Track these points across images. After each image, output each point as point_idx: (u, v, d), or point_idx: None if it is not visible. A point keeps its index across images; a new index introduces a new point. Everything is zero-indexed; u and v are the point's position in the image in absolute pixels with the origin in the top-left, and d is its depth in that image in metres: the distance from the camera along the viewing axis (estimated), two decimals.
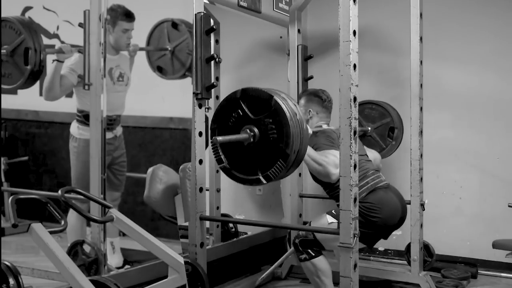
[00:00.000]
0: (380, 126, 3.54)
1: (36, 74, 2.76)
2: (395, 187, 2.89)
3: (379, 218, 2.64)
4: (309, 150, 2.63)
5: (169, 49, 3.38)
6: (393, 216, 2.75)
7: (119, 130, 3.32)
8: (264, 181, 2.11)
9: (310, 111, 2.99)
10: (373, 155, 3.19)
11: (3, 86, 2.82)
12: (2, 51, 2.72)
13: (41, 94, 4.15)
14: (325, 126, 2.96)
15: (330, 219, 2.71)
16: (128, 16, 3.27)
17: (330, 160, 2.62)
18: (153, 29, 3.45)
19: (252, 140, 2.11)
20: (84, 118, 3.19)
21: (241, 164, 2.17)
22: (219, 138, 2.10)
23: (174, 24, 3.39)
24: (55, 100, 3.23)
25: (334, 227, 2.64)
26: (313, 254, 2.75)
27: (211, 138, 2.17)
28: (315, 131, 2.88)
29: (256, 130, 2.11)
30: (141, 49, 3.44)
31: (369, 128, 3.55)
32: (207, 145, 2.84)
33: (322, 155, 2.65)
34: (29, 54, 2.65)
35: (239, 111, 2.14)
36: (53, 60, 3.04)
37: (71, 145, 3.29)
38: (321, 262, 2.76)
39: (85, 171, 2.97)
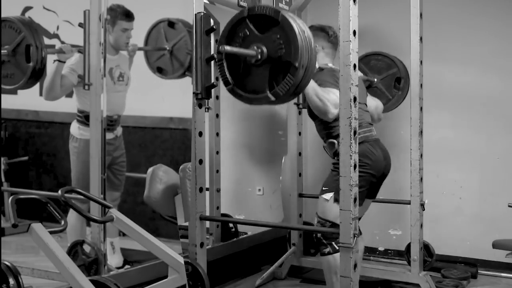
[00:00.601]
0: (386, 77, 3.51)
1: (38, 73, 2.75)
2: (382, 144, 2.89)
3: (365, 173, 2.65)
4: (313, 84, 2.62)
5: (168, 48, 3.37)
6: (377, 171, 2.76)
7: (119, 130, 3.33)
8: (273, 98, 2.05)
9: (316, 46, 2.97)
10: (376, 103, 3.15)
11: (6, 87, 2.82)
12: (3, 51, 2.72)
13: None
14: (330, 65, 2.94)
15: (326, 196, 2.71)
16: (128, 15, 3.27)
17: (332, 99, 2.61)
18: (151, 30, 3.44)
19: (259, 57, 2.06)
20: (85, 118, 3.18)
21: (247, 84, 2.11)
22: (227, 48, 2.05)
23: (171, 23, 3.38)
24: (55, 100, 3.23)
25: (332, 199, 2.66)
26: (337, 248, 2.68)
27: (218, 48, 2.10)
28: (322, 67, 2.85)
29: (263, 47, 2.06)
30: (140, 49, 3.43)
31: (375, 79, 3.51)
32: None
33: (324, 91, 2.64)
34: (30, 51, 2.65)
35: (246, 30, 2.09)
36: (54, 60, 3.04)
37: (71, 145, 3.29)
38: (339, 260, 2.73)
39: (86, 171, 2.97)
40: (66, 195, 2.35)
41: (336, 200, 2.63)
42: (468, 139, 3.81)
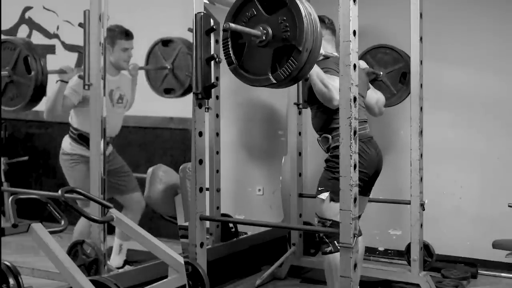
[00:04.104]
0: (392, 71, 3.49)
1: (41, 88, 2.76)
2: (375, 141, 2.87)
3: (358, 172, 2.63)
4: (318, 70, 2.62)
5: (168, 67, 3.39)
6: (369, 167, 2.75)
7: (109, 149, 3.30)
8: (273, 80, 2.04)
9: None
10: (377, 96, 3.11)
11: (11, 108, 2.83)
12: (3, 73, 2.73)
13: None
14: (336, 54, 2.91)
15: (323, 196, 2.70)
16: (127, 34, 3.29)
17: (337, 85, 2.58)
18: (148, 54, 3.48)
19: (264, 38, 2.06)
20: (78, 136, 3.21)
21: (251, 65, 2.12)
22: (232, 25, 2.04)
23: (165, 42, 3.43)
24: (55, 119, 3.24)
25: (329, 199, 2.65)
26: (338, 247, 2.70)
27: (224, 25, 2.09)
28: (327, 55, 2.84)
29: (269, 28, 2.05)
30: (141, 68, 3.45)
31: (381, 73, 3.49)
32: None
33: (330, 78, 2.63)
34: (29, 61, 2.66)
35: (253, 9, 2.08)
36: (57, 81, 3.06)
37: (62, 158, 3.28)
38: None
39: (84, 178, 2.99)
40: (66, 195, 2.35)
41: (333, 199, 2.63)
42: (468, 139, 3.81)
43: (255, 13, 2.08)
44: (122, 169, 3.38)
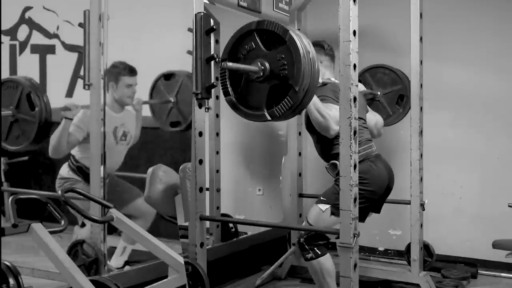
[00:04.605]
0: (390, 92, 3.51)
1: (45, 125, 2.75)
2: (384, 159, 2.88)
3: (367, 191, 2.63)
4: (315, 99, 2.61)
5: (172, 100, 3.41)
6: (380, 187, 2.75)
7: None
8: (269, 118, 2.05)
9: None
10: (376, 118, 3.13)
11: (17, 147, 2.84)
12: (7, 112, 2.74)
13: None
14: (333, 79, 2.93)
15: (322, 206, 2.70)
16: (131, 71, 3.30)
17: (333, 115, 2.60)
18: (152, 89, 3.49)
19: (262, 74, 2.06)
20: (77, 168, 3.24)
21: (247, 98, 2.11)
22: (229, 64, 2.05)
23: (167, 77, 3.45)
24: (60, 157, 3.26)
25: (328, 212, 2.65)
26: (319, 253, 2.72)
27: (221, 64, 2.10)
28: (325, 82, 2.84)
29: (267, 64, 2.05)
30: (145, 102, 3.45)
31: (379, 93, 3.51)
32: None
33: (326, 107, 2.63)
34: (32, 98, 2.67)
35: (252, 43, 2.09)
36: (62, 118, 3.07)
37: (59, 183, 3.30)
38: (326, 261, 2.74)
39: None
40: (66, 195, 2.35)
41: (333, 213, 2.63)
42: (468, 139, 3.81)
43: (254, 46, 2.09)
44: (121, 187, 3.39)
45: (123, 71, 3.27)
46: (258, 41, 2.08)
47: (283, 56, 2.02)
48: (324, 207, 2.69)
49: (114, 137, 3.28)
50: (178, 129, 3.43)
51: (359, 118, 2.31)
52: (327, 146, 2.78)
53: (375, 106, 3.50)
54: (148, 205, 3.41)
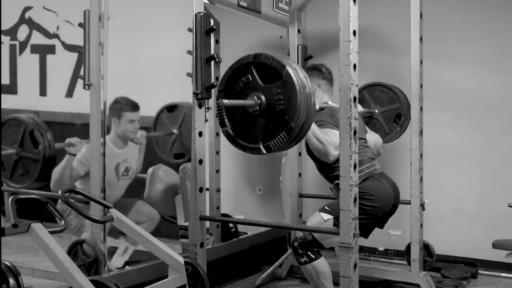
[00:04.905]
0: (388, 111, 3.52)
1: (50, 162, 2.78)
2: (388, 175, 2.87)
3: (372, 207, 2.63)
4: (313, 126, 2.60)
5: (176, 132, 3.43)
6: (386, 204, 2.74)
7: None
8: (264, 151, 2.06)
9: (312, 85, 2.96)
10: (375, 138, 3.13)
11: (20, 185, 2.85)
12: (11, 151, 2.76)
13: (41, 94, 4.16)
14: (330, 103, 2.93)
15: (325, 216, 2.69)
16: (133, 106, 3.30)
17: (332, 140, 2.60)
18: (155, 121, 3.53)
19: (258, 108, 2.07)
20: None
21: (243, 131, 2.12)
22: (225, 101, 2.05)
23: (170, 108, 3.48)
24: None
25: (331, 223, 2.64)
26: (313, 257, 2.73)
27: (217, 100, 2.11)
28: (322, 107, 2.84)
29: (263, 98, 2.06)
30: (148, 135, 3.47)
31: (376, 111, 3.52)
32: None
33: (324, 133, 2.63)
34: (35, 136, 2.68)
35: (249, 76, 2.09)
36: (66, 154, 3.09)
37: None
38: (321, 264, 2.74)
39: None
40: (66, 195, 2.35)
41: (335, 225, 2.62)
42: (468, 139, 3.81)
43: (251, 79, 2.09)
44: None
45: (125, 106, 3.28)
46: (255, 74, 2.09)
47: (280, 90, 2.03)
48: (327, 217, 2.68)
49: (116, 173, 3.29)
50: (182, 161, 3.44)
51: (360, 138, 2.31)
52: (329, 169, 2.76)
53: (373, 124, 3.53)
54: (149, 207, 3.41)
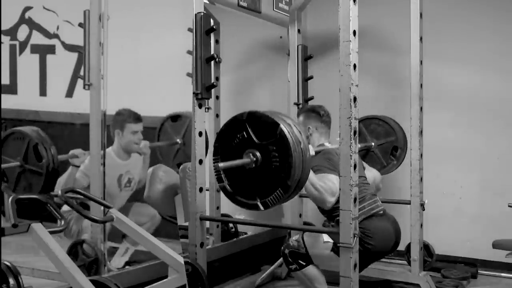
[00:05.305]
0: (384, 144, 3.54)
1: (53, 173, 2.76)
2: (391, 215, 2.85)
3: (372, 246, 2.60)
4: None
5: (179, 141, 3.45)
6: (386, 244, 2.72)
7: None
8: (262, 208, 2.09)
9: (309, 127, 2.94)
10: (373, 174, 3.10)
11: (23, 196, 2.85)
12: (15, 163, 2.75)
13: (41, 94, 4.16)
14: (327, 144, 2.91)
15: (326, 237, 2.67)
16: (136, 118, 3.31)
17: (328, 187, 2.57)
18: (159, 130, 3.54)
19: (254, 165, 2.08)
20: (79, 205, 3.24)
21: (241, 187, 2.15)
22: (221, 165, 2.07)
23: (173, 118, 3.50)
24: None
25: (329, 247, 2.63)
26: (304, 264, 2.70)
27: (214, 162, 2.14)
28: (318, 150, 2.82)
29: (259, 155, 2.07)
30: (152, 145, 3.47)
31: (373, 144, 3.54)
32: (207, 145, 2.84)
33: (320, 180, 2.58)
34: (39, 150, 2.69)
35: (244, 133, 2.11)
36: (70, 165, 3.10)
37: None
38: (312, 270, 2.71)
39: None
40: (66, 195, 2.35)
41: (333, 250, 2.61)
42: (468, 139, 3.81)
43: (246, 136, 2.10)
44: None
45: (128, 118, 3.28)
46: (250, 131, 2.10)
47: (275, 148, 2.03)
48: (327, 239, 2.66)
49: (118, 185, 3.30)
50: None
51: (360, 176, 2.30)
52: (330, 211, 2.70)
53: (370, 157, 3.54)
54: (148, 207, 3.41)
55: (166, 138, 3.53)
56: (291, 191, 2.05)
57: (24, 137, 2.76)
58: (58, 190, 3.01)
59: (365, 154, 3.53)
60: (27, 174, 2.77)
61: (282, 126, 2.02)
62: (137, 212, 3.34)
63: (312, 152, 2.61)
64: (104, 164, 2.82)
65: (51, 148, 2.74)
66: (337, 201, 2.50)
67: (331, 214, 2.68)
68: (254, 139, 2.08)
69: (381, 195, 3.27)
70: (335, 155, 2.73)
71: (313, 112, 2.98)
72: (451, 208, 3.86)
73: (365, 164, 3.10)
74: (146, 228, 2.91)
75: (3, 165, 2.74)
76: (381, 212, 2.76)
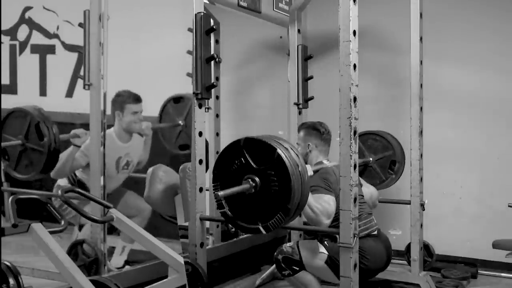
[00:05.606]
0: (382, 158, 3.55)
1: (54, 154, 2.79)
2: (383, 234, 2.85)
3: (365, 265, 2.60)
4: None
5: (181, 123, 3.45)
6: (379, 264, 2.74)
7: None
8: (264, 232, 2.09)
9: (309, 144, 2.93)
10: (370, 191, 3.09)
11: (25, 176, 2.87)
12: (17, 141, 2.77)
13: (41, 94, 4.16)
14: (325, 162, 2.90)
15: (321, 248, 2.68)
16: (135, 99, 3.31)
17: (324, 209, 2.57)
18: (161, 112, 3.54)
19: (253, 190, 2.07)
20: (76, 182, 3.26)
21: (242, 212, 2.14)
22: (221, 193, 2.06)
23: (176, 100, 3.49)
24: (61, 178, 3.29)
25: (324, 258, 2.63)
26: (297, 269, 2.70)
27: (214, 191, 2.14)
28: (316, 169, 2.80)
29: (257, 180, 2.06)
30: (154, 127, 3.47)
31: (371, 159, 3.55)
32: (207, 146, 2.84)
33: (317, 201, 2.58)
34: (40, 128, 2.68)
35: (242, 159, 2.10)
36: (71, 145, 3.10)
37: (56, 190, 3.32)
38: (305, 276, 2.71)
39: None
40: (66, 195, 2.35)
41: (327, 263, 2.62)
42: (468, 139, 3.81)
43: (244, 162, 2.10)
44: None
45: (127, 99, 3.28)
46: (248, 157, 2.09)
47: (273, 172, 2.03)
48: (322, 250, 2.67)
49: (116, 167, 3.29)
50: (187, 152, 3.44)
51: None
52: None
53: (368, 172, 3.55)
54: (139, 200, 3.41)
55: (168, 119, 3.52)
56: (291, 214, 2.06)
57: (26, 116, 2.76)
58: (58, 190, 3.05)
59: (363, 170, 3.54)
60: (28, 152, 2.77)
61: (279, 150, 2.02)
62: (125, 203, 3.33)
63: (310, 172, 2.61)
64: (104, 145, 2.81)
65: (53, 127, 2.74)
66: (332, 222, 2.56)
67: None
68: (252, 164, 2.08)
69: (381, 195, 3.28)
70: (332, 174, 2.74)
71: (314, 130, 2.97)
72: (451, 208, 3.86)
73: (362, 181, 3.07)
74: (136, 223, 2.89)
75: (4, 143, 2.74)
76: (375, 232, 2.77)
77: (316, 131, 2.97)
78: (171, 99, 3.51)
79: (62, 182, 3.31)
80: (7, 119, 2.80)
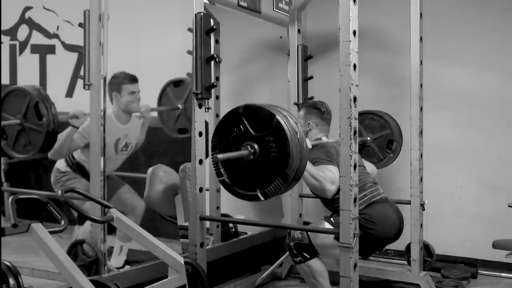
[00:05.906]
0: (380, 137, 3.55)
1: (52, 135, 2.77)
2: (392, 201, 2.86)
3: (376, 231, 2.62)
4: (307, 165, 2.56)
5: (180, 107, 3.44)
6: (390, 229, 2.74)
7: None
8: (262, 198, 2.10)
9: (309, 123, 2.95)
10: (370, 167, 3.13)
11: (23, 156, 2.85)
12: (15, 120, 2.76)
13: None
14: (324, 139, 2.92)
15: (327, 225, 2.69)
16: (132, 79, 3.32)
17: (327, 176, 2.58)
18: (160, 95, 3.53)
19: (252, 157, 2.09)
20: (74, 165, 3.27)
21: (240, 179, 2.16)
22: (220, 156, 2.08)
23: (176, 83, 3.48)
24: (59, 159, 3.30)
25: (332, 235, 2.63)
26: (308, 256, 2.73)
27: (212, 155, 2.16)
28: (314, 144, 2.83)
29: (256, 147, 2.08)
30: (153, 109, 3.47)
31: (368, 138, 3.55)
32: (207, 146, 2.84)
33: (319, 170, 2.59)
34: (39, 108, 2.68)
35: (241, 126, 2.12)
36: (70, 126, 3.10)
37: (55, 176, 3.33)
38: (316, 264, 2.74)
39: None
40: (66, 195, 2.35)
41: (336, 238, 2.62)
42: (468, 139, 3.81)
43: (243, 129, 2.11)
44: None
45: (124, 79, 3.29)
46: (247, 124, 2.11)
47: (272, 138, 2.05)
48: (330, 226, 2.66)
49: (115, 148, 3.30)
50: (186, 136, 3.44)
51: (360, 165, 2.31)
52: (332, 201, 2.71)
53: (366, 151, 3.54)
54: (134, 196, 3.41)
55: (168, 103, 3.52)
56: (290, 180, 2.06)
57: (25, 95, 2.75)
58: (58, 190, 3.05)
59: (361, 149, 3.52)
60: (27, 132, 2.76)
61: (278, 117, 2.04)
62: (119, 198, 3.33)
63: (309, 146, 2.62)
64: (104, 126, 2.81)
65: (52, 107, 2.73)
66: (338, 191, 2.52)
67: (334, 205, 2.68)
68: (251, 131, 2.10)
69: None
70: (332, 147, 2.76)
71: (315, 108, 2.98)
72: (451, 208, 3.86)
73: (362, 160, 3.10)
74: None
75: (3, 122, 2.73)
76: (383, 199, 2.77)
77: (317, 110, 2.98)
78: (170, 82, 3.50)
79: (61, 165, 3.31)
80: (6, 96, 2.78)
